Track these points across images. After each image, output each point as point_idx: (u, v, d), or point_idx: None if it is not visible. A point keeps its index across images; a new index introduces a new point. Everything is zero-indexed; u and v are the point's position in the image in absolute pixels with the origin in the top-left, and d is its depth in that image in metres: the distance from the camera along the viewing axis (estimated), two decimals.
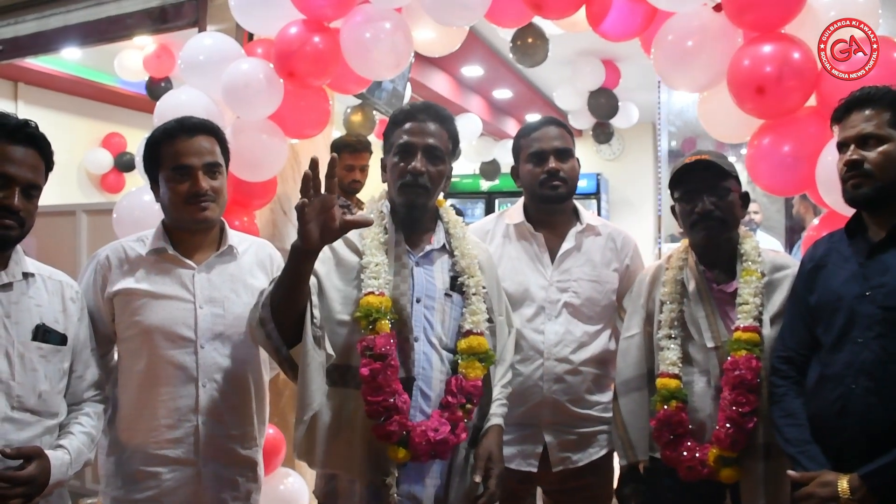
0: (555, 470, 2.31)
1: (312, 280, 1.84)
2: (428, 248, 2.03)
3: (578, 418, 2.32)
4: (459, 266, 2.02)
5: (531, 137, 2.38)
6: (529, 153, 2.37)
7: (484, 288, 2.03)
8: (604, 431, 2.35)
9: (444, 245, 2.05)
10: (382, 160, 2.09)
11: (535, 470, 2.32)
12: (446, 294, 2.00)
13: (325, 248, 1.94)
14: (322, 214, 1.71)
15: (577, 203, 2.47)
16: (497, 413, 2.04)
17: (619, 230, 2.50)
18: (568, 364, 2.29)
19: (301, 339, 1.81)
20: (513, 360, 2.19)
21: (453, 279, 2.02)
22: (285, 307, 1.80)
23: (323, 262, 1.94)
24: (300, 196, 1.70)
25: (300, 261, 1.76)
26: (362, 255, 1.94)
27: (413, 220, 2.02)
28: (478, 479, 1.92)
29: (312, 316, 1.82)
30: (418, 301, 1.96)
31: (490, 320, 2.04)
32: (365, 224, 1.80)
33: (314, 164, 1.69)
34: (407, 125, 2.00)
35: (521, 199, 2.48)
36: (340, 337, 1.90)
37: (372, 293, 1.87)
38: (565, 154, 2.35)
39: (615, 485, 2.30)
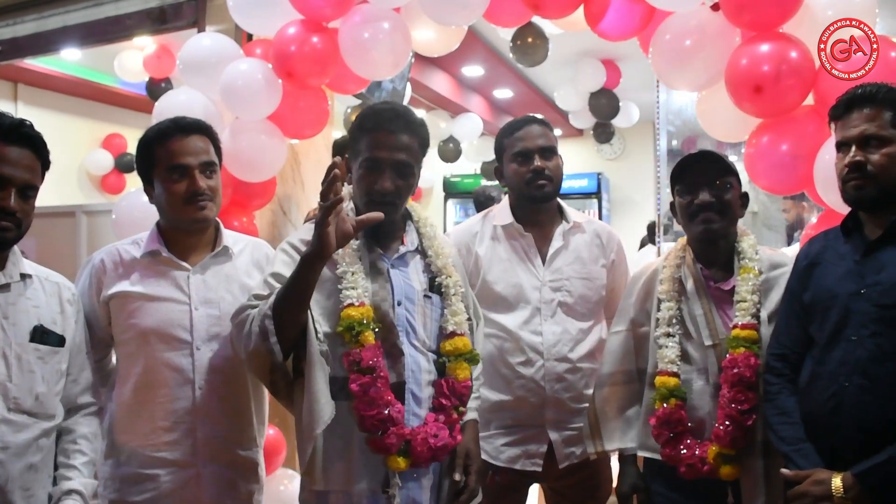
0: (561, 466, 2.33)
1: None
2: (402, 249, 1.99)
3: (578, 413, 2.33)
4: (435, 266, 1.99)
5: (514, 137, 2.38)
6: (514, 153, 2.36)
7: (462, 287, 2.02)
8: None
9: (417, 246, 2.02)
10: (347, 159, 2.00)
11: (539, 469, 2.33)
12: (426, 296, 1.97)
13: None
14: (336, 217, 1.71)
15: (561, 201, 2.48)
16: (472, 407, 2.03)
17: (603, 225, 2.53)
18: (567, 363, 2.32)
19: (289, 356, 1.81)
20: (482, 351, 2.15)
21: (431, 280, 1.99)
22: (292, 319, 1.76)
23: None
24: (320, 199, 1.67)
25: (313, 268, 1.74)
26: (336, 265, 1.88)
27: (383, 227, 1.96)
28: (458, 477, 1.91)
29: (316, 330, 1.81)
30: (399, 304, 1.93)
31: (469, 319, 2.03)
32: (375, 220, 1.79)
33: (344, 166, 1.68)
34: (375, 135, 1.90)
35: (506, 200, 2.48)
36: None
37: (352, 304, 1.83)
38: (549, 152, 2.36)
39: (614, 481, 2.30)
